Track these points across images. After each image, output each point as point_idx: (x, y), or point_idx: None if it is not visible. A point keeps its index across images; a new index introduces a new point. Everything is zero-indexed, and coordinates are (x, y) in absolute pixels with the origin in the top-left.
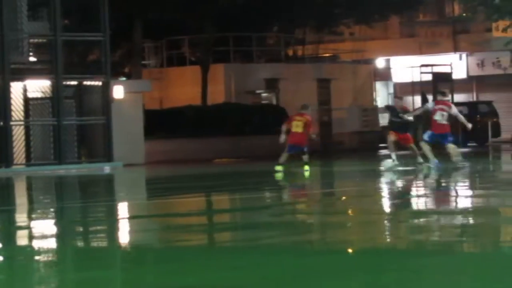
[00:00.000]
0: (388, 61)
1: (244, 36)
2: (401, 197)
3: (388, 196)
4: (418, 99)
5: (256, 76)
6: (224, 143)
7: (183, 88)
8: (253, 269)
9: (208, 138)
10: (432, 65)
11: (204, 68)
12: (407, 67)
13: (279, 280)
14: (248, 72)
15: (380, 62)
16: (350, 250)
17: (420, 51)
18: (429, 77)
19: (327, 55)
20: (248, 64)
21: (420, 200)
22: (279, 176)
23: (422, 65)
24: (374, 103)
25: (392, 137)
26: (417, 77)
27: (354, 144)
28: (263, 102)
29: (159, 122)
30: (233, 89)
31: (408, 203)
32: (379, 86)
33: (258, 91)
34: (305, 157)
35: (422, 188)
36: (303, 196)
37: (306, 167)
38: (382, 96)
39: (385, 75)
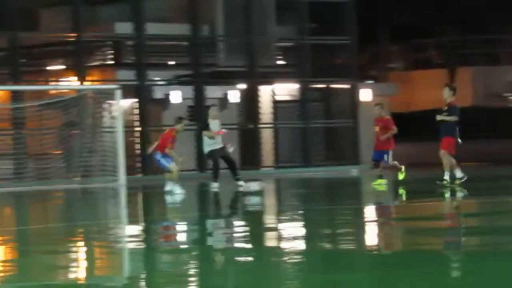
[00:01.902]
0: None
1: (490, 38)
2: None
3: None
4: None
5: (503, 79)
6: (471, 147)
7: (429, 91)
8: (496, 274)
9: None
10: None
11: (451, 71)
12: None
13: None
14: (495, 75)
15: None
16: None
17: None
18: None
19: None
20: (495, 67)
21: None
22: None
23: None
24: None
25: None
26: None
27: None
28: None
29: (405, 125)
30: (480, 92)
31: None
32: None
33: (505, 94)
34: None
35: None
36: None
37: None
38: None
39: None
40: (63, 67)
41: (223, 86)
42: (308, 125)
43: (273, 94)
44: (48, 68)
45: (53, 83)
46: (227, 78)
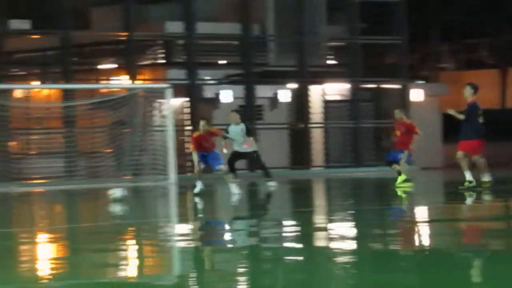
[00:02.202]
0: None
1: None
2: None
3: None
4: None
5: None
6: None
7: (480, 91)
8: None
9: (506, 142)
10: None
11: (502, 71)
12: None
13: None
14: None
15: None
16: None
17: None
18: None
19: None
20: None
21: None
22: None
23: None
24: None
25: None
26: None
27: None
28: None
29: (456, 126)
30: None
31: None
32: None
33: None
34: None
35: None
36: None
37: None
38: None
39: None
40: (114, 65)
41: (273, 86)
42: (358, 125)
43: (323, 93)
44: (99, 66)
45: (104, 81)
46: (277, 78)
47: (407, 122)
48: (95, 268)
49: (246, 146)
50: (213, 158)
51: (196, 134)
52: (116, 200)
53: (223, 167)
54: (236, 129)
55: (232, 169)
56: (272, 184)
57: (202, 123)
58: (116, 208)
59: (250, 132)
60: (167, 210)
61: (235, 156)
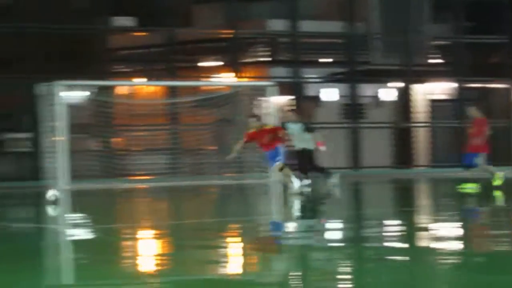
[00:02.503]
0: None
1: None
2: None
3: None
4: None
5: None
6: None
7: None
8: None
9: None
10: None
11: None
12: None
13: None
14: None
15: None
16: None
17: None
18: None
19: None
20: None
21: None
22: None
23: None
24: None
25: None
26: None
27: None
28: None
29: None
30: None
31: None
32: None
33: None
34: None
35: None
36: None
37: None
38: None
39: None
40: (217, 63)
41: (377, 84)
42: (463, 124)
43: (427, 92)
44: (203, 64)
45: (207, 79)
46: (381, 76)
47: (481, 120)
48: (199, 264)
49: (323, 147)
50: (274, 154)
51: (251, 130)
52: (51, 203)
53: (278, 163)
54: (294, 127)
55: (319, 168)
56: (307, 183)
57: (251, 120)
58: (219, 205)
59: (310, 129)
60: (268, 208)
61: (311, 156)
